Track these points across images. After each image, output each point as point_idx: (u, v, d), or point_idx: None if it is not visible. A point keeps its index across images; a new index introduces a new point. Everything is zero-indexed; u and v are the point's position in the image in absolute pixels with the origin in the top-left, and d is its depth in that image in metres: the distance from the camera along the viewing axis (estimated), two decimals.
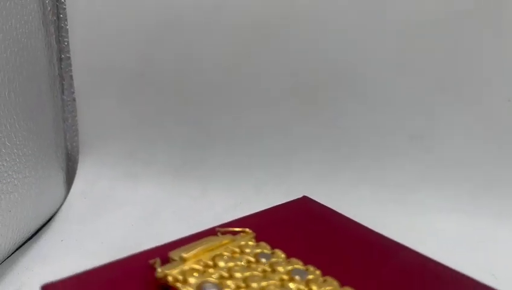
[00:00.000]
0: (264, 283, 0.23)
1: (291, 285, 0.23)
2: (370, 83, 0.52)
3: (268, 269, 0.24)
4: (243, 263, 0.24)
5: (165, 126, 0.56)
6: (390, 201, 0.50)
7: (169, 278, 0.22)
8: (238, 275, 0.23)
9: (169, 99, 0.56)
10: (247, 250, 0.26)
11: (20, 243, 0.41)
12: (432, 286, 0.25)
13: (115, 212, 0.49)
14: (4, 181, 0.35)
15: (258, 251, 0.26)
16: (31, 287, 0.36)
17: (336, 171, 0.53)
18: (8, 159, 0.36)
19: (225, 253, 0.25)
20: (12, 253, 0.40)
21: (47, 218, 0.46)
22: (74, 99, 0.51)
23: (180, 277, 0.23)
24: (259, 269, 0.24)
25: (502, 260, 0.44)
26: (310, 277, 0.24)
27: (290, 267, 0.24)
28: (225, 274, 0.23)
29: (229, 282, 0.23)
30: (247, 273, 0.23)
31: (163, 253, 0.25)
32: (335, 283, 0.23)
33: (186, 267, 0.23)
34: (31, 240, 0.43)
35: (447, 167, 0.52)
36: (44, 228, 0.46)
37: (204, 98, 0.56)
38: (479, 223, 0.49)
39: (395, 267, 0.27)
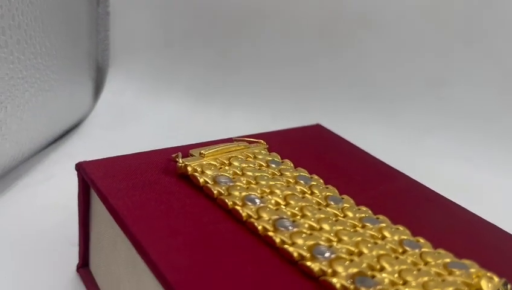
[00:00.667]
0: (271, 182, 0.25)
1: (297, 186, 0.26)
2: (394, 28, 0.53)
3: (277, 173, 0.27)
4: (255, 166, 0.27)
5: (192, 49, 0.58)
6: (399, 142, 0.52)
7: (189, 169, 0.25)
8: (249, 173, 0.26)
9: (198, 24, 0.58)
10: (260, 156, 0.28)
11: (52, 140, 0.45)
12: (419, 205, 0.28)
13: (138, 123, 0.52)
14: (43, 79, 0.38)
15: (269, 158, 0.28)
16: (61, 177, 0.40)
17: (351, 108, 0.55)
18: (47, 59, 0.39)
19: (240, 156, 0.28)
20: (44, 148, 0.44)
21: (76, 121, 0.50)
22: (108, 13, 0.53)
23: (199, 169, 0.26)
24: (269, 172, 0.27)
25: (498, 210, 0.46)
26: (313, 183, 0.26)
27: (296, 174, 0.27)
28: (238, 172, 0.26)
29: (241, 178, 0.26)
30: (258, 174, 0.26)
31: (184, 151, 0.28)
32: (335, 190, 0.26)
33: (204, 162, 0.26)
34: (61, 140, 0.47)
35: (460, 116, 0.53)
36: (73, 130, 0.49)
37: (232, 26, 0.57)
38: (483, 173, 0.51)
39: (390, 188, 0.29)
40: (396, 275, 0.20)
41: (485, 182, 0.50)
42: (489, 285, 0.19)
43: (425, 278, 0.20)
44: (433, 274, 0.20)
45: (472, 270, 0.20)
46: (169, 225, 0.22)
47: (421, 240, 0.23)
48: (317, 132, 0.37)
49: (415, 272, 0.20)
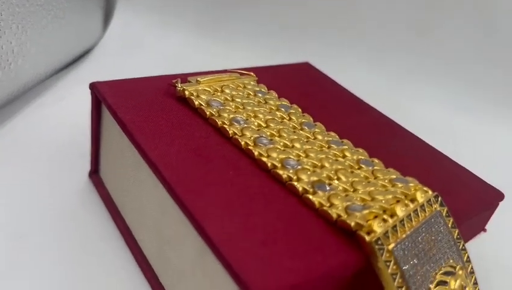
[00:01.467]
0: (256, 108, 0.30)
1: (278, 112, 0.30)
2: None
3: (262, 101, 0.31)
4: (243, 94, 0.31)
5: None
6: (385, 84, 0.56)
7: (186, 92, 0.30)
8: (238, 100, 0.30)
9: None
10: (249, 87, 0.33)
11: (64, 65, 0.49)
12: (384, 135, 0.32)
13: (145, 53, 0.56)
14: (58, 7, 0.42)
15: (257, 88, 0.33)
16: (72, 98, 0.44)
17: (341, 51, 0.58)
18: None
19: (231, 85, 0.32)
20: (57, 72, 0.48)
21: (87, 48, 0.53)
22: None
23: (195, 93, 0.30)
24: (255, 100, 0.31)
25: (469, 153, 0.50)
26: (292, 111, 0.31)
27: (278, 103, 0.31)
28: (228, 98, 0.30)
29: (231, 103, 0.30)
30: (245, 101, 0.31)
31: (183, 78, 0.32)
32: (310, 118, 0.30)
33: (200, 87, 0.31)
34: (73, 65, 0.51)
35: (445, 64, 0.57)
36: (84, 56, 0.53)
37: None
38: (461, 118, 0.56)
39: (361, 120, 0.34)
40: (348, 185, 0.25)
41: (462, 126, 0.54)
42: (423, 196, 0.24)
43: (372, 188, 0.24)
44: (380, 186, 0.25)
45: (411, 184, 0.25)
46: (168, 135, 0.26)
47: (376, 161, 0.27)
48: (305, 69, 0.41)
49: (364, 183, 0.25)
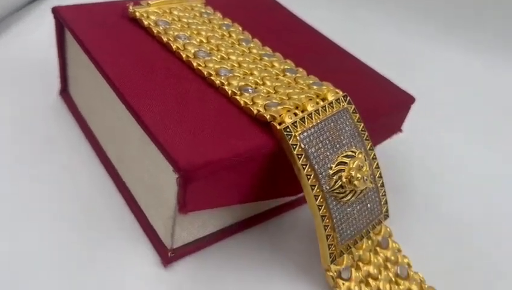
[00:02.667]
0: (200, 27, 0.34)
1: (219, 31, 0.34)
2: None
3: (206, 21, 0.35)
4: (190, 15, 0.35)
5: None
6: (338, 16, 0.60)
7: (137, 14, 0.34)
8: (184, 20, 0.34)
9: None
10: (196, 8, 0.36)
11: None
12: (317, 51, 0.37)
13: None
14: None
15: (203, 10, 0.36)
16: (42, 27, 0.47)
17: None
18: None
19: (179, 7, 0.36)
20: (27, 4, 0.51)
21: None
22: None
23: (145, 14, 0.34)
24: (200, 21, 0.35)
25: (418, 77, 0.55)
26: (233, 29, 0.35)
27: (221, 22, 0.35)
28: (176, 19, 0.34)
29: (177, 23, 0.34)
30: (191, 21, 0.34)
31: (136, 1, 0.36)
32: (249, 35, 0.35)
33: (150, 9, 0.34)
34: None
35: None
36: None
37: None
38: (414, 44, 0.60)
39: (300, 39, 0.38)
40: (272, 89, 0.29)
41: (415, 52, 0.59)
42: (333, 95, 0.29)
43: (291, 91, 0.29)
44: (298, 89, 0.30)
45: (324, 87, 0.30)
46: (120, 48, 0.31)
47: (300, 70, 0.32)
48: None
49: (285, 87, 0.29)
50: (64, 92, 0.39)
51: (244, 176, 0.27)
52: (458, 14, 0.63)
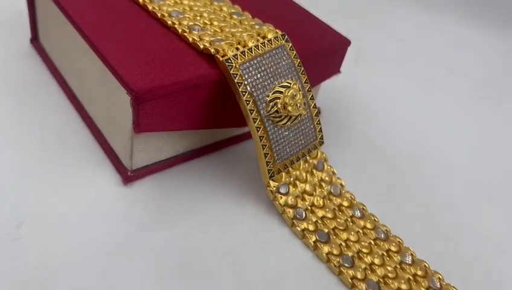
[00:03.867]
0: None
1: None
2: None
3: None
4: None
5: None
6: None
7: None
8: None
9: None
10: None
11: None
12: (268, 4, 0.40)
13: None
14: None
15: None
16: None
17: None
18: None
19: None
20: None
21: None
22: None
23: None
24: None
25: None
26: None
27: None
28: None
29: None
30: None
31: None
32: None
33: None
34: None
35: None
36: None
37: None
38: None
39: None
40: (218, 28, 0.33)
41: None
42: (272, 34, 0.33)
43: (235, 30, 0.33)
44: (242, 28, 0.33)
45: (265, 27, 0.34)
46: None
47: (246, 13, 0.36)
48: None
49: (229, 26, 0.33)
50: (36, 40, 0.42)
51: (192, 102, 0.31)
52: None
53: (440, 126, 0.46)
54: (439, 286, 0.30)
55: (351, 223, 0.33)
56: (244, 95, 0.30)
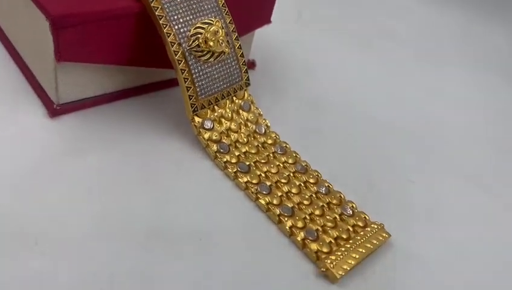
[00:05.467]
0: None
1: None
2: None
3: None
4: None
5: None
6: None
7: None
8: None
9: None
10: None
11: None
12: None
13: None
14: None
15: None
16: None
17: None
18: None
19: None
20: None
21: None
22: None
23: None
24: None
25: None
26: None
27: None
28: None
29: None
30: None
31: None
32: None
33: None
34: None
35: None
36: None
37: None
38: None
39: None
40: None
41: None
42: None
43: None
44: None
45: None
46: None
47: None
48: None
49: None
50: None
51: (113, 34, 0.32)
52: None
53: (369, 82, 0.48)
54: (351, 213, 0.32)
55: (272, 158, 0.35)
56: (165, 28, 0.31)
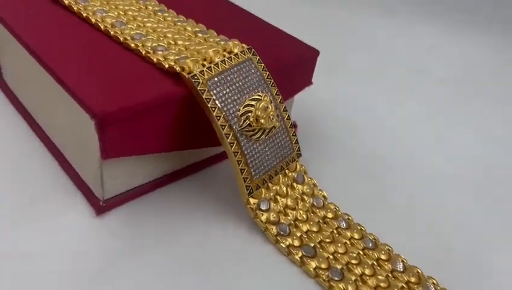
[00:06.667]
0: (117, 2, 0.37)
1: (136, 4, 0.37)
2: None
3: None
4: None
5: None
6: None
7: None
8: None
9: None
10: None
11: None
12: (228, 17, 0.40)
13: None
14: None
15: None
16: None
17: None
18: None
19: None
20: None
21: None
22: None
23: None
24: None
25: None
26: (149, 2, 0.38)
27: None
28: None
29: (97, 1, 0.37)
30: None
31: None
32: (164, 6, 0.38)
33: None
34: None
35: None
36: None
37: None
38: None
39: (217, 8, 0.41)
40: (183, 47, 0.32)
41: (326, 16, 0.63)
42: (238, 48, 0.32)
43: (200, 47, 0.32)
44: (207, 45, 0.33)
45: (230, 42, 0.33)
46: (43, 25, 0.33)
47: (211, 31, 0.35)
48: None
49: (194, 44, 0.33)
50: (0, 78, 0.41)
51: (159, 122, 0.30)
52: None
53: (417, 129, 0.45)
54: None
55: (337, 235, 0.32)
56: (214, 111, 0.29)
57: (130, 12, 0.36)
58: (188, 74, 0.29)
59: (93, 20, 0.34)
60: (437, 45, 0.65)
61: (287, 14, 0.63)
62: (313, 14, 0.65)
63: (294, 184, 0.34)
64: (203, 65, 0.30)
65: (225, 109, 0.30)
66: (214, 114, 0.29)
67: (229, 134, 0.30)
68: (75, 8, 0.35)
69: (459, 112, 0.50)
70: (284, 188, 0.33)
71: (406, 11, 0.71)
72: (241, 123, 0.30)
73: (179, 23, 0.35)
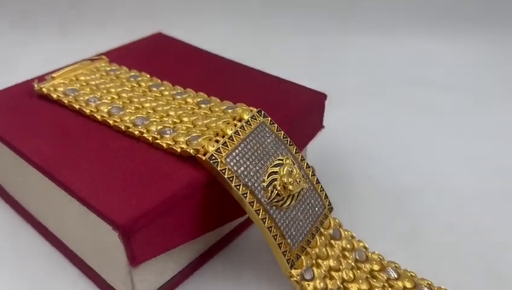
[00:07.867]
0: (108, 85, 0.35)
1: (128, 83, 0.35)
2: None
3: (114, 77, 0.36)
4: (96, 77, 0.36)
5: None
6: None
7: (44, 90, 0.34)
8: (92, 83, 0.35)
9: None
10: (101, 68, 0.37)
11: None
12: (226, 77, 0.38)
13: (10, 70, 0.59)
14: None
15: (108, 68, 0.37)
16: None
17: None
18: None
19: (85, 72, 0.36)
20: None
21: None
22: None
23: (52, 88, 0.34)
24: (108, 79, 0.36)
25: None
26: (140, 78, 0.36)
27: (128, 75, 0.36)
28: (84, 83, 0.35)
29: (86, 87, 0.34)
30: (98, 82, 0.35)
31: (40, 78, 0.36)
32: (158, 80, 0.36)
33: (56, 82, 0.35)
34: None
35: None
36: None
37: None
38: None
39: (209, 68, 0.39)
40: (190, 123, 0.30)
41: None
42: (247, 114, 0.30)
43: (208, 120, 0.30)
44: (215, 116, 0.31)
45: (238, 108, 0.31)
46: (36, 129, 0.31)
47: (213, 98, 0.33)
48: (158, 39, 0.46)
49: (201, 118, 0.31)
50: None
51: (185, 213, 0.27)
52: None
53: (439, 148, 0.44)
54: None
55: (389, 288, 0.30)
56: (239, 189, 0.27)
57: (124, 94, 0.34)
58: (204, 154, 0.27)
59: (87, 111, 0.32)
60: (434, 53, 0.64)
61: (270, 49, 0.61)
62: (299, 44, 0.63)
63: (333, 241, 0.32)
64: (217, 141, 0.28)
65: (249, 183, 0.28)
66: (240, 192, 0.27)
67: (259, 209, 0.28)
68: (65, 102, 0.33)
69: (473, 119, 0.48)
70: (324, 249, 0.31)
71: (392, 24, 0.70)
72: (269, 195, 0.28)
73: (178, 96, 0.33)
